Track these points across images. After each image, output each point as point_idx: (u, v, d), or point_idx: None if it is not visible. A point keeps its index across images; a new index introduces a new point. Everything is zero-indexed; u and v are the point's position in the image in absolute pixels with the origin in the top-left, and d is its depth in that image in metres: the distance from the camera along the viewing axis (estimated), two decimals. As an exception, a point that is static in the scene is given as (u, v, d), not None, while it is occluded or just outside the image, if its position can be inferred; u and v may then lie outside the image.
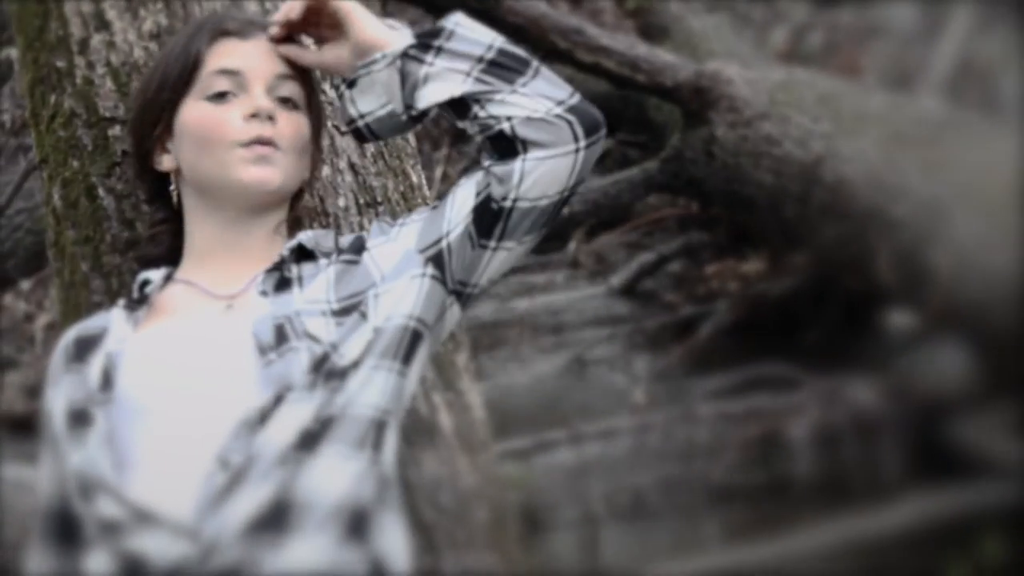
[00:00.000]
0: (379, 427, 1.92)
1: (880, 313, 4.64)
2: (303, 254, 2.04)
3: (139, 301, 2.03)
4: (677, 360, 5.29)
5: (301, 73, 2.10)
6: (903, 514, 4.15)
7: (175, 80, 2.06)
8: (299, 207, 2.17)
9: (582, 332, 5.56)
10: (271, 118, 2.02)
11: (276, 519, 1.83)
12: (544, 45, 4.89)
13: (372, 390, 1.92)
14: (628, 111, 6.12)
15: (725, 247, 5.79)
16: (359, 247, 2.03)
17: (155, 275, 2.05)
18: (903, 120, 4.74)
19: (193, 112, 2.04)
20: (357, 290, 1.98)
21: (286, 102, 2.06)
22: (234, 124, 2.01)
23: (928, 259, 4.16)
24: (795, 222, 4.77)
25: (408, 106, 2.01)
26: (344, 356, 1.92)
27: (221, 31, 2.08)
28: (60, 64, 2.36)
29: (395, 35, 2.02)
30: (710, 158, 4.99)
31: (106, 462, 1.90)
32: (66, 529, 1.94)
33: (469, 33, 2.00)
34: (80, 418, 1.93)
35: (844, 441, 4.57)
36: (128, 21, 2.35)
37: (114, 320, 2.02)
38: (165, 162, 2.09)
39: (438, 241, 1.99)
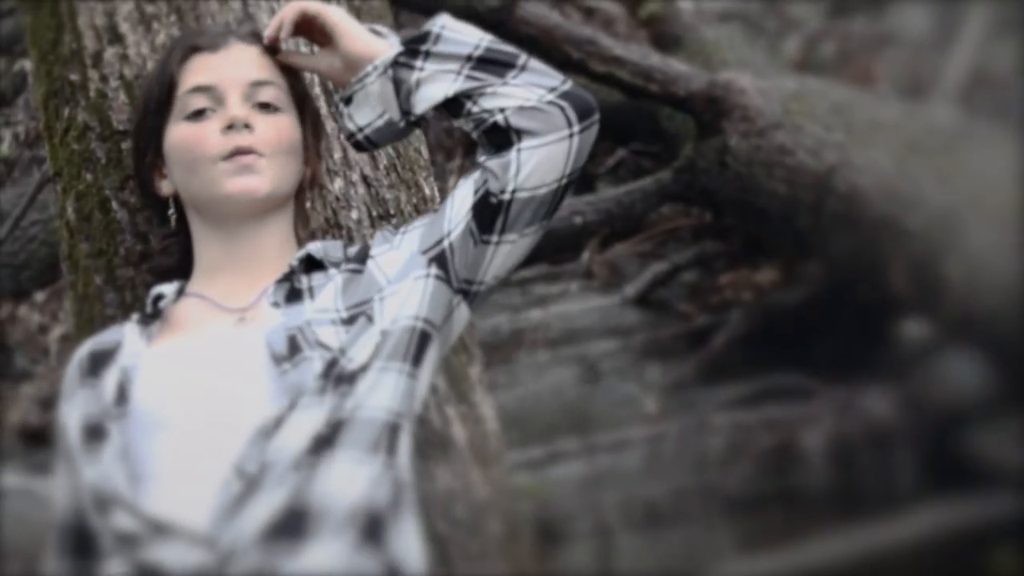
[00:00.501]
0: (392, 430, 1.92)
1: (894, 323, 4.63)
2: (312, 264, 2.05)
3: (152, 316, 2.04)
4: (691, 370, 5.28)
5: (283, 74, 2.11)
6: (917, 525, 4.14)
7: (155, 106, 2.08)
8: (309, 211, 2.18)
9: (595, 342, 5.55)
10: (248, 126, 2.02)
11: (292, 525, 1.83)
12: (557, 55, 4.89)
13: (382, 392, 1.92)
14: (641, 121, 6.12)
15: (738, 257, 5.79)
16: (363, 256, 2.04)
17: (168, 289, 2.05)
18: (917, 129, 4.74)
19: (175, 135, 2.05)
20: (364, 298, 1.98)
21: (266, 107, 2.06)
22: (212, 139, 2.02)
23: (942, 269, 4.15)
24: (808, 232, 4.76)
25: (405, 112, 2.02)
26: (353, 360, 1.92)
27: (191, 48, 2.09)
28: (74, 77, 2.37)
29: (384, 44, 2.04)
30: (723, 168, 4.99)
31: (121, 476, 1.90)
32: (82, 542, 1.94)
33: (456, 34, 2.01)
34: (95, 433, 1.94)
35: (858, 452, 4.55)
36: (141, 34, 2.35)
37: (128, 335, 2.02)
38: (164, 188, 2.10)
39: (440, 241, 2.00)
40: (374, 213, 2.33)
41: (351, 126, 2.06)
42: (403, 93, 2.01)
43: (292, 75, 2.12)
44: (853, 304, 4.91)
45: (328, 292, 2.00)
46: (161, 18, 2.35)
